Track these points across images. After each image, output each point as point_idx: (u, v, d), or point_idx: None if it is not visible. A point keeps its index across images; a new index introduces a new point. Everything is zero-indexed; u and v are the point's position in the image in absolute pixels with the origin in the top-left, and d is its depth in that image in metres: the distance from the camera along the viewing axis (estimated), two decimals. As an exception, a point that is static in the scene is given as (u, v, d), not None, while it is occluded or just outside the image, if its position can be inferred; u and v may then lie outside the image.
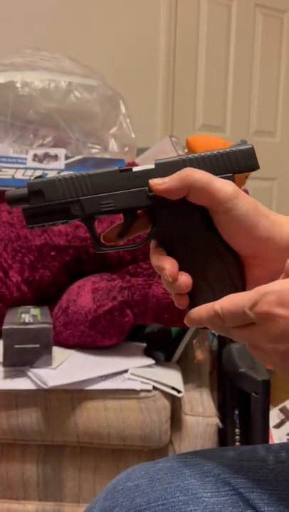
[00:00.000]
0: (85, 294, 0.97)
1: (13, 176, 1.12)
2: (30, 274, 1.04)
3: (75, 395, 0.87)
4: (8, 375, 0.88)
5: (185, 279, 0.39)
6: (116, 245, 0.43)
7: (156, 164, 0.40)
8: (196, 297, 0.40)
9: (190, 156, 0.40)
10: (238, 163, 0.40)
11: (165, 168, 0.39)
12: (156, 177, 0.39)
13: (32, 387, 0.85)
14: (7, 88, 1.18)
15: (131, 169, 0.40)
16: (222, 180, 0.38)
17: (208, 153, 0.40)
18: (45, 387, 0.83)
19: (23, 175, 1.12)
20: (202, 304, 0.38)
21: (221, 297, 0.36)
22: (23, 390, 0.86)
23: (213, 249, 0.39)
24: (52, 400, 0.87)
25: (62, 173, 1.12)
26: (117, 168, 0.41)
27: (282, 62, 2.50)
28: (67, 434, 0.87)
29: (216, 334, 1.40)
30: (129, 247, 0.43)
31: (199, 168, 0.39)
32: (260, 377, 0.94)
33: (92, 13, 2.04)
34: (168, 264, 0.39)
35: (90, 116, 1.24)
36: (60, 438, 0.88)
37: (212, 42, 2.30)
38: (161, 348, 1.04)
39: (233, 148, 0.40)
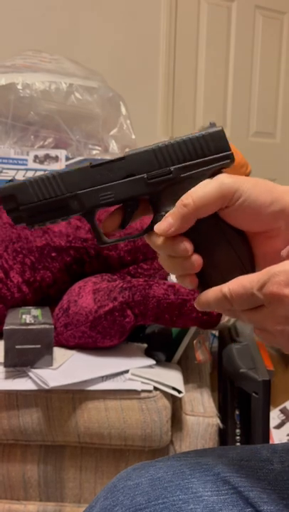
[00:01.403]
0: (85, 295, 0.97)
1: (13, 177, 1.12)
2: (31, 274, 1.04)
3: (76, 395, 0.87)
4: (9, 376, 0.88)
5: (197, 256, 0.38)
6: (119, 238, 0.42)
7: (126, 156, 0.39)
8: (205, 282, 0.39)
9: (160, 144, 0.39)
10: (208, 147, 0.39)
11: (136, 159, 0.39)
12: (129, 169, 0.39)
13: (33, 387, 0.85)
14: (8, 90, 1.18)
15: (102, 164, 0.40)
16: (216, 181, 0.37)
17: (178, 139, 0.39)
18: (46, 387, 0.83)
19: (24, 176, 1.12)
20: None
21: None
22: (24, 390, 0.86)
23: (220, 232, 0.38)
24: (53, 401, 0.87)
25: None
26: (88, 164, 0.40)
27: (282, 63, 2.50)
28: (68, 435, 0.88)
29: (217, 334, 1.40)
30: (132, 237, 0.42)
31: (169, 155, 0.39)
32: (260, 377, 0.94)
33: (93, 15, 2.04)
34: (184, 239, 0.37)
35: (91, 117, 1.24)
36: (61, 438, 0.88)
37: (212, 43, 2.31)
38: (162, 348, 1.04)
39: (203, 132, 0.39)
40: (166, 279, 1.16)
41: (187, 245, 0.37)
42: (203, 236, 0.38)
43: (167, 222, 0.37)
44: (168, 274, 1.20)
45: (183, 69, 2.26)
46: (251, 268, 0.38)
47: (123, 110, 1.33)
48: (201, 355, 0.98)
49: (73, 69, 1.33)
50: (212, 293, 0.37)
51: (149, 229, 0.40)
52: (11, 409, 0.87)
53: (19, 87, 1.19)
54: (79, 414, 0.87)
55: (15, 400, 0.87)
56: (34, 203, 0.40)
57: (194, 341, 0.99)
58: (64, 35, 1.97)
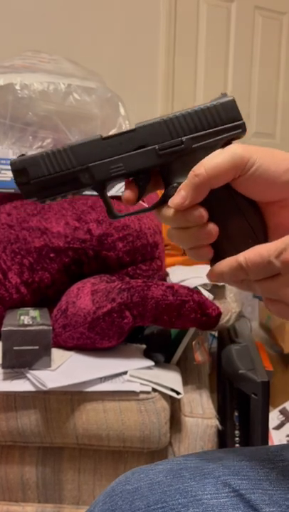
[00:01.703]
0: (84, 296, 0.97)
1: (12, 178, 1.12)
2: (30, 275, 1.04)
3: (74, 396, 0.87)
4: (7, 377, 0.88)
5: (213, 224, 0.37)
6: (129, 212, 0.41)
7: (137, 128, 0.39)
8: (217, 254, 0.38)
9: (170, 115, 0.39)
10: (220, 117, 0.39)
11: (146, 130, 0.39)
12: (140, 140, 0.38)
13: (31, 388, 0.85)
14: (6, 90, 1.18)
15: (113, 136, 0.39)
16: (228, 150, 0.36)
17: (189, 110, 0.39)
18: (45, 388, 0.83)
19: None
20: None
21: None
22: (23, 391, 0.86)
23: (233, 203, 0.38)
24: (51, 402, 0.87)
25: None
26: (98, 136, 0.39)
27: (281, 64, 2.50)
28: (66, 436, 0.87)
29: (216, 335, 1.40)
30: (142, 211, 0.41)
31: (180, 126, 0.38)
32: (259, 378, 0.94)
33: (92, 15, 2.04)
34: (198, 206, 0.37)
35: (89, 118, 1.24)
36: (60, 440, 0.88)
37: (211, 44, 2.31)
38: (161, 349, 1.03)
39: (214, 102, 0.39)
40: (165, 280, 1.16)
41: (202, 211, 0.37)
42: (216, 207, 0.38)
43: (180, 195, 0.37)
44: (167, 275, 1.20)
45: (182, 69, 2.26)
46: (264, 239, 0.38)
47: (122, 111, 1.33)
48: (199, 356, 0.98)
49: (72, 69, 1.33)
50: (226, 263, 0.36)
51: (160, 202, 0.39)
52: (9, 410, 0.86)
53: (17, 87, 1.18)
54: (77, 416, 0.86)
55: (13, 401, 0.86)
56: (45, 176, 0.39)
57: (193, 342, 0.99)
58: (63, 36, 1.97)
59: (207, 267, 0.40)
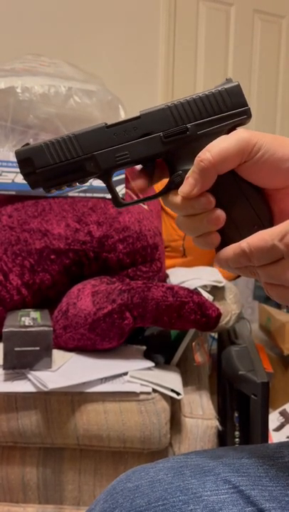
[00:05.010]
0: (84, 297, 0.97)
1: (13, 180, 1.12)
2: (30, 277, 1.05)
3: (75, 397, 0.87)
4: (8, 378, 0.88)
5: (220, 210, 0.37)
6: (134, 200, 0.42)
7: (142, 115, 0.39)
8: (223, 240, 0.38)
9: (175, 101, 0.39)
10: (225, 103, 0.38)
11: (151, 118, 0.39)
12: (145, 127, 0.38)
13: (32, 389, 0.85)
14: (7, 93, 1.19)
15: (117, 124, 0.39)
16: (234, 135, 0.36)
17: (194, 96, 0.39)
18: (45, 389, 0.83)
19: (23, 179, 1.12)
20: None
21: None
22: (23, 392, 0.86)
23: (238, 189, 0.37)
24: (52, 403, 0.87)
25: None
26: (103, 124, 0.39)
27: (281, 66, 2.52)
28: (67, 437, 0.88)
29: (216, 337, 1.40)
30: (148, 199, 0.41)
31: (185, 112, 0.38)
32: (259, 379, 0.94)
33: (92, 18, 2.05)
34: (205, 193, 0.37)
35: (90, 120, 1.25)
36: (60, 441, 0.88)
37: (211, 47, 2.32)
38: (161, 350, 1.04)
39: (219, 88, 0.39)
40: (164, 281, 1.16)
41: (210, 197, 0.37)
42: (221, 193, 0.37)
43: (188, 182, 0.37)
44: (167, 277, 1.21)
45: (182, 73, 2.27)
46: (269, 225, 0.37)
47: (122, 113, 1.33)
48: (199, 357, 0.99)
49: (72, 72, 1.34)
50: (231, 249, 0.36)
51: (165, 190, 0.39)
52: (10, 411, 0.87)
53: (18, 90, 1.19)
54: (78, 417, 0.87)
55: (14, 402, 0.87)
56: (50, 165, 0.39)
57: (193, 343, 0.99)
58: (63, 39, 1.98)
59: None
